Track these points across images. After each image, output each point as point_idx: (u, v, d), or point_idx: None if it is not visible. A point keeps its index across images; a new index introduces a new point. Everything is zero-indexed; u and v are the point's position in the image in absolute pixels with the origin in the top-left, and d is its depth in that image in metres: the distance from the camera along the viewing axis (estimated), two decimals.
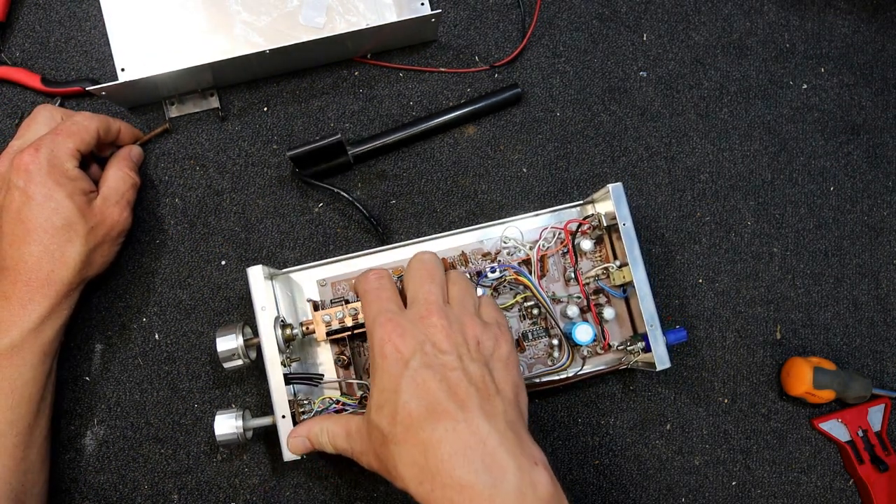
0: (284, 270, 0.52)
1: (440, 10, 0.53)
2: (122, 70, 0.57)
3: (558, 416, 0.55)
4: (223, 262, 0.56)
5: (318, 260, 0.53)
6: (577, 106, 0.59)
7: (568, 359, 0.52)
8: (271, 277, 0.50)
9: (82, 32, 0.57)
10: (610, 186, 0.49)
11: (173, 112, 0.57)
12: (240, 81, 0.57)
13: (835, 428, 0.56)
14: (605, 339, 0.53)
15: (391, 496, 0.53)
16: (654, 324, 0.48)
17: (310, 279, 0.53)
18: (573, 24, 0.60)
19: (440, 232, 0.54)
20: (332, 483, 0.53)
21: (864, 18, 0.62)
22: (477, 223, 0.54)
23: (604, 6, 0.61)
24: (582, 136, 0.59)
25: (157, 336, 0.55)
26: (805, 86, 0.61)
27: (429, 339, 0.40)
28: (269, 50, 0.51)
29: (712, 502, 0.55)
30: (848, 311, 0.59)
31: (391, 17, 0.58)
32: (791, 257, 0.59)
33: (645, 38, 0.61)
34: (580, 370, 0.52)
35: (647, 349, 0.49)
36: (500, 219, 0.54)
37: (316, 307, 0.50)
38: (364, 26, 0.52)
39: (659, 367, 0.48)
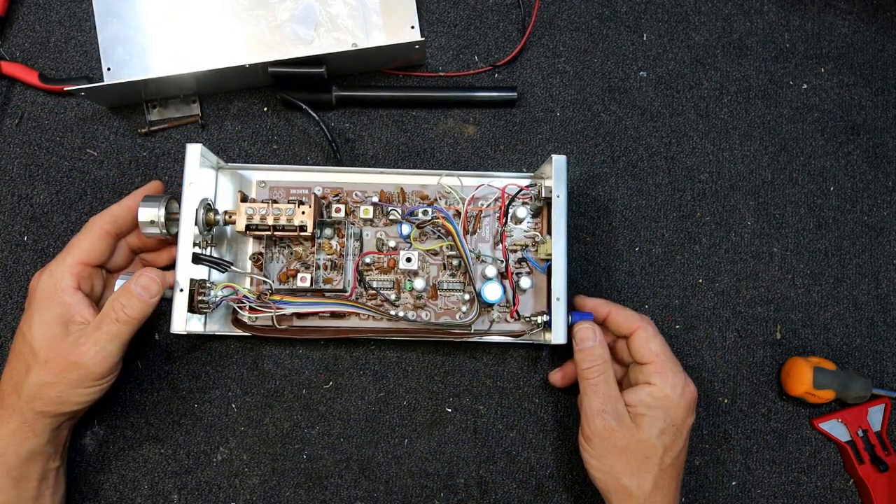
0: (231, 165, 0.53)
1: (424, 38, 0.53)
2: (108, 69, 0.57)
3: (558, 416, 0.55)
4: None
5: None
6: (577, 106, 0.59)
7: (475, 316, 0.52)
8: (217, 167, 0.52)
9: (82, 32, 0.57)
10: (553, 157, 0.49)
11: (154, 116, 0.56)
12: (223, 90, 0.57)
13: (835, 428, 0.56)
14: (514, 304, 0.52)
15: (391, 496, 0.53)
16: (560, 297, 0.48)
17: (256, 181, 0.54)
18: (573, 24, 0.60)
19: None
20: (332, 483, 0.53)
21: (864, 18, 0.62)
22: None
23: (604, 6, 0.61)
24: (582, 136, 0.59)
25: (156, 336, 0.55)
26: (805, 86, 0.61)
27: None
28: (249, 64, 0.51)
29: (712, 502, 0.55)
30: (848, 311, 0.59)
31: (379, 36, 0.57)
32: (791, 257, 0.59)
33: (645, 38, 0.61)
34: (488, 329, 0.52)
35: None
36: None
37: (244, 200, 0.50)
38: (350, 44, 0.52)
39: (554, 342, 0.48)
